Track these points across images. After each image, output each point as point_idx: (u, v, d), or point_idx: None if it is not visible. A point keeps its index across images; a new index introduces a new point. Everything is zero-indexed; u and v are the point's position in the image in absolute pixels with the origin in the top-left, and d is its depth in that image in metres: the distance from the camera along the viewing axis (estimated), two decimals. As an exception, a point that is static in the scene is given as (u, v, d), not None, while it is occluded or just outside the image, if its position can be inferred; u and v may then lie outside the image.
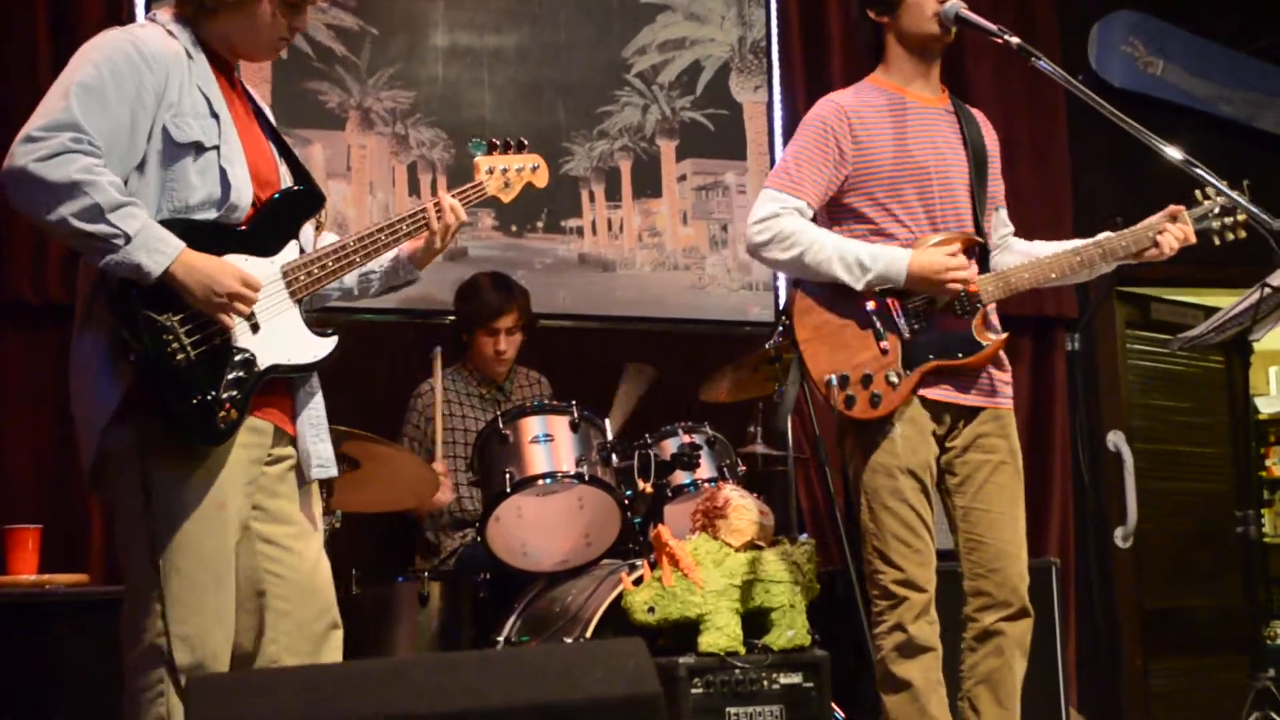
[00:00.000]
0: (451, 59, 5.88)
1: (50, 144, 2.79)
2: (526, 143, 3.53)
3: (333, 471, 3.19)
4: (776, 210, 3.78)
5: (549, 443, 4.50)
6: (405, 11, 5.85)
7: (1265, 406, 9.64)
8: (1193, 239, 3.88)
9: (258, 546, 3.03)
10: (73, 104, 2.83)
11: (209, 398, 2.88)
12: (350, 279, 3.30)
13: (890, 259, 3.72)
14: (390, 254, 3.28)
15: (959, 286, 3.72)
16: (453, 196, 3.32)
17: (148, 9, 5.28)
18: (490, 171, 3.45)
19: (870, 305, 3.76)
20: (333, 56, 5.67)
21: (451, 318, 5.39)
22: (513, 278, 5.41)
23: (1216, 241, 3.91)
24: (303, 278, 3.07)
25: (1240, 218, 3.86)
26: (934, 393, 3.77)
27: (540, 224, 5.92)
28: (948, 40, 3.85)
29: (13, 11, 5.14)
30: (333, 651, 3.09)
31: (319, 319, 3.18)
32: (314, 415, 3.15)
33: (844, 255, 3.73)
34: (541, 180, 3.55)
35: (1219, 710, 5.23)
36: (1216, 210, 3.90)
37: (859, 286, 3.73)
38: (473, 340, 5.27)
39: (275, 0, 3.04)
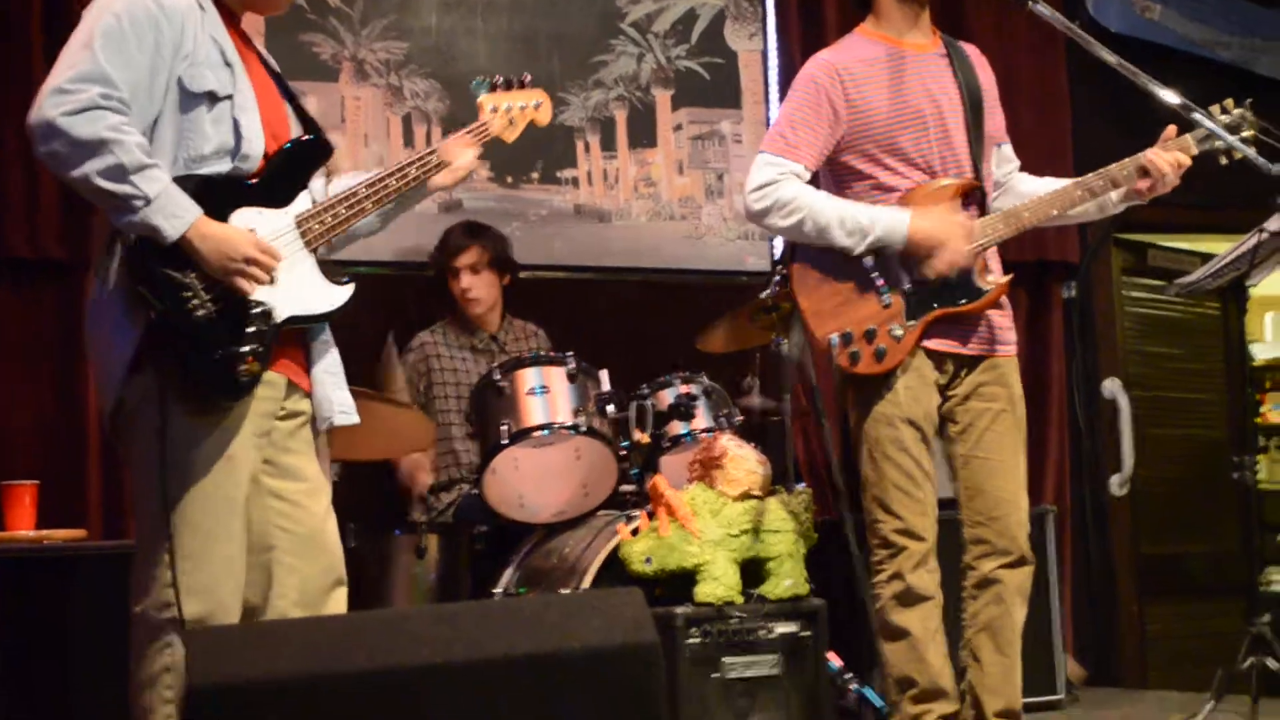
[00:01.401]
0: (445, 9, 5.84)
1: (80, 98, 2.79)
2: (529, 79, 3.50)
3: (355, 419, 3.19)
4: (774, 176, 3.75)
5: (545, 394, 4.49)
6: (398, -38, 5.81)
7: (1261, 353, 9.61)
8: (1187, 162, 3.77)
9: (268, 501, 3.04)
10: (99, 54, 2.83)
11: (231, 351, 2.88)
12: (372, 218, 3.28)
13: (890, 224, 3.69)
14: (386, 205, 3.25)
15: (947, 268, 3.69)
16: (455, 139, 3.33)
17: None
18: (494, 110, 3.43)
19: (869, 260, 3.75)
20: (326, 8, 5.63)
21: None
22: (494, 227, 5.40)
23: (1223, 160, 3.79)
24: (316, 227, 3.07)
25: (1247, 133, 3.78)
26: (936, 343, 3.77)
27: (535, 175, 5.89)
28: None
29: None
30: (336, 607, 3.10)
31: (332, 267, 3.17)
32: (331, 363, 3.16)
33: (844, 220, 3.71)
34: (545, 117, 3.52)
35: (1214, 656, 5.25)
36: (1223, 128, 3.73)
37: (859, 250, 3.72)
38: (453, 290, 5.27)
39: None
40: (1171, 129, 3.82)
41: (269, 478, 3.04)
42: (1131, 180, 3.80)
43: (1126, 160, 3.81)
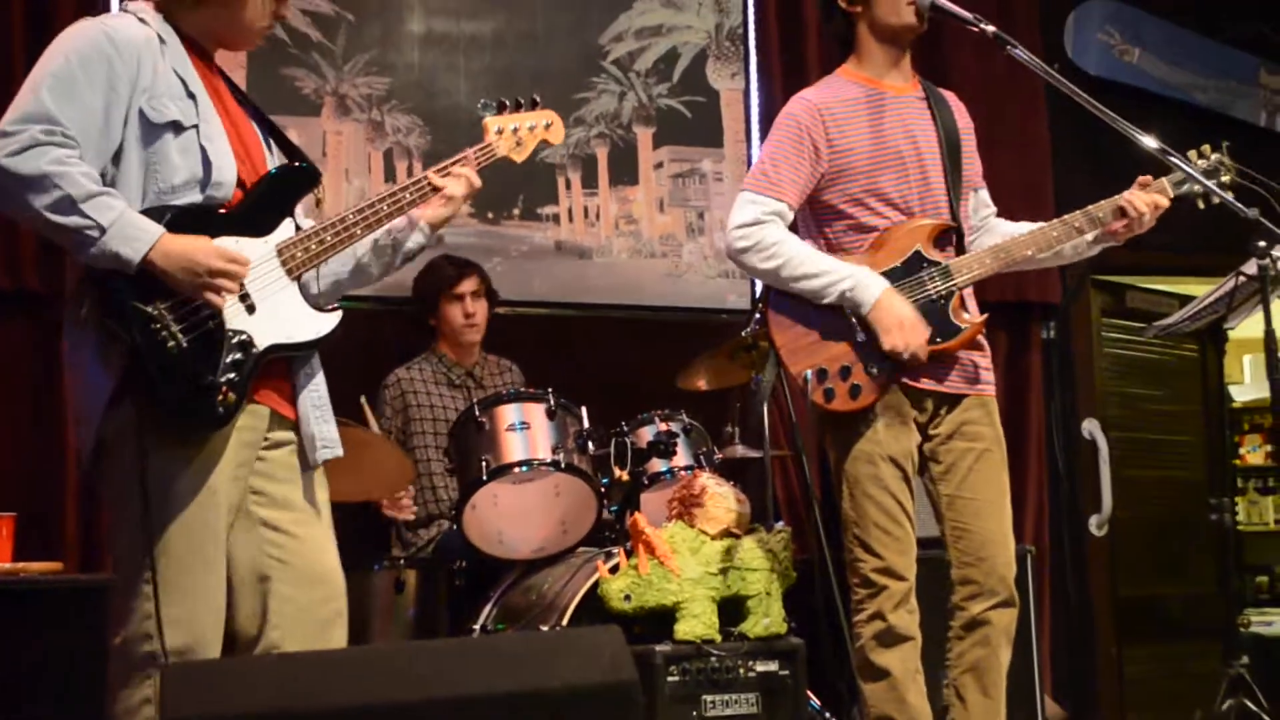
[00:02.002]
0: (427, 45, 5.86)
1: (21, 137, 2.78)
2: (539, 99, 3.47)
3: (338, 452, 3.16)
4: (758, 216, 3.76)
5: (525, 430, 4.49)
6: (381, -3, 5.83)
7: (1239, 395, 9.68)
8: (1164, 204, 3.78)
9: (260, 532, 3.02)
10: (44, 95, 2.82)
11: (206, 382, 2.86)
12: (366, 254, 3.24)
13: (863, 285, 3.68)
14: (401, 219, 3.21)
15: (902, 347, 3.68)
16: (457, 162, 3.27)
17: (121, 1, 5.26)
18: (500, 132, 3.38)
19: None
20: (308, 43, 5.64)
21: (418, 308, 5.38)
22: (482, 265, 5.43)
23: (1201, 205, 3.82)
24: (299, 254, 3.03)
25: (1225, 178, 3.81)
26: (916, 381, 3.76)
27: (517, 211, 5.90)
28: (921, 30, 3.83)
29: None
30: (337, 638, 3.08)
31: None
32: (316, 396, 3.13)
33: (820, 273, 3.71)
34: (557, 136, 3.49)
35: (1193, 697, 5.25)
36: (1201, 173, 3.76)
37: (826, 301, 3.73)
38: (439, 316, 5.28)
39: None
40: (1147, 177, 3.84)
41: (260, 507, 3.03)
42: (1108, 221, 3.81)
43: (1105, 202, 3.83)
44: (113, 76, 2.89)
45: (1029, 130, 6.54)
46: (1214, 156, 3.86)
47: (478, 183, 3.27)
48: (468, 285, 5.27)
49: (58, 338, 4.73)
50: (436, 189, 3.22)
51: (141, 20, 3.00)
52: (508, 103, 3.43)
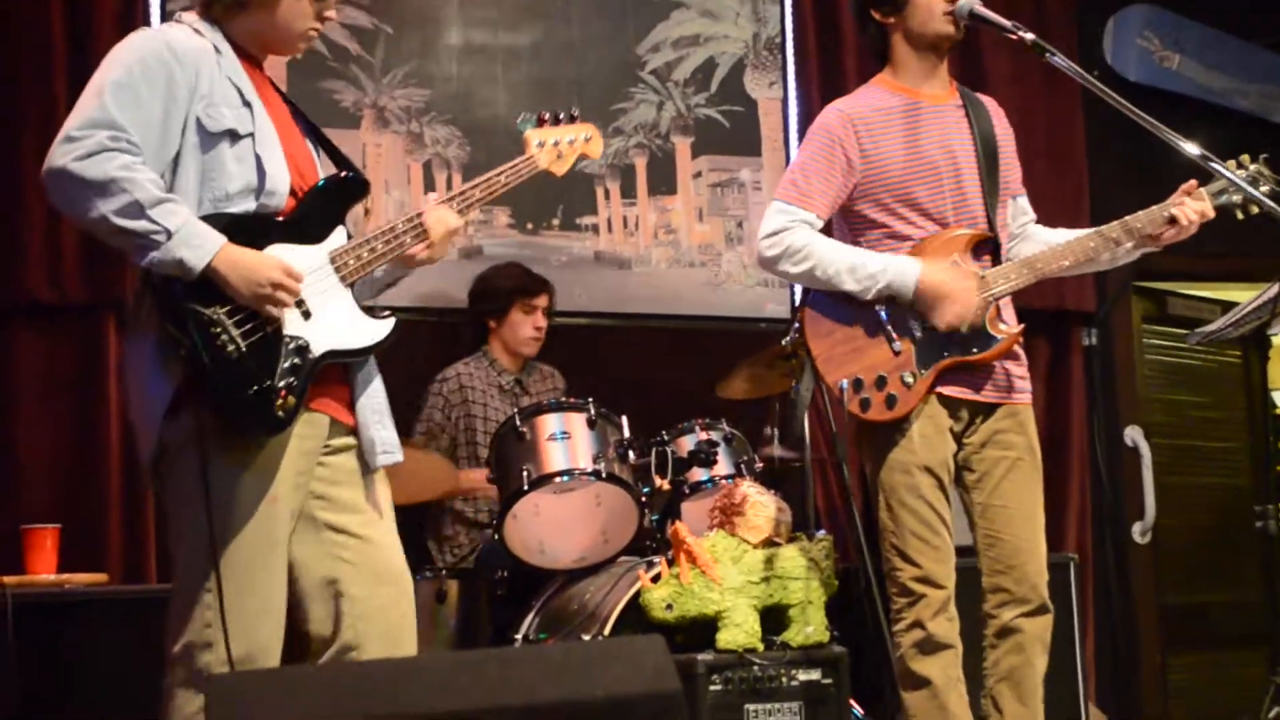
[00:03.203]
0: (466, 57, 5.88)
1: (88, 143, 2.82)
2: (578, 113, 3.50)
3: (398, 457, 3.18)
4: (785, 224, 3.77)
5: (566, 440, 4.50)
6: (419, 9, 5.84)
7: (1283, 401, 9.61)
8: (1211, 213, 3.79)
9: (326, 535, 3.05)
10: (108, 101, 2.86)
11: (265, 386, 2.89)
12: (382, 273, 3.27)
13: (900, 273, 3.70)
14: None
15: (956, 320, 3.70)
16: (502, 173, 3.31)
17: (163, 9, 5.29)
18: (540, 145, 3.41)
19: (880, 307, 3.76)
20: (347, 55, 5.67)
21: (481, 307, 5.40)
22: None
23: (1239, 215, 3.83)
24: (352, 262, 3.07)
25: (1264, 188, 3.80)
26: (950, 389, 3.76)
27: (556, 221, 5.92)
28: (959, 38, 3.82)
29: (27, 14, 5.13)
30: (409, 637, 3.11)
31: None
32: (375, 401, 3.15)
33: (854, 268, 3.72)
34: (596, 150, 3.52)
35: (1238, 705, 5.22)
36: (1241, 180, 3.79)
37: (868, 297, 3.73)
38: (505, 321, 5.31)
39: None
40: (1193, 182, 3.82)
41: (324, 512, 3.05)
42: (1147, 231, 3.79)
43: (1143, 213, 3.82)
44: (172, 85, 2.93)
45: (1065, 137, 6.52)
46: (1253, 166, 3.84)
47: (455, 223, 3.23)
48: (542, 300, 5.34)
49: (100, 350, 4.78)
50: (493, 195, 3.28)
51: (197, 31, 3.04)
52: (548, 116, 3.45)
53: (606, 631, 4.07)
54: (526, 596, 4.62)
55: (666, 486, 4.49)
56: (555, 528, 4.55)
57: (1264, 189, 3.78)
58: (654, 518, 4.57)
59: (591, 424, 4.53)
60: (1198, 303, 7.04)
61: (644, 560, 4.40)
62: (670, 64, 6.17)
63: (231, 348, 2.86)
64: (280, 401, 2.90)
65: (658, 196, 6.10)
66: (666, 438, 4.56)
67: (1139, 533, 6.55)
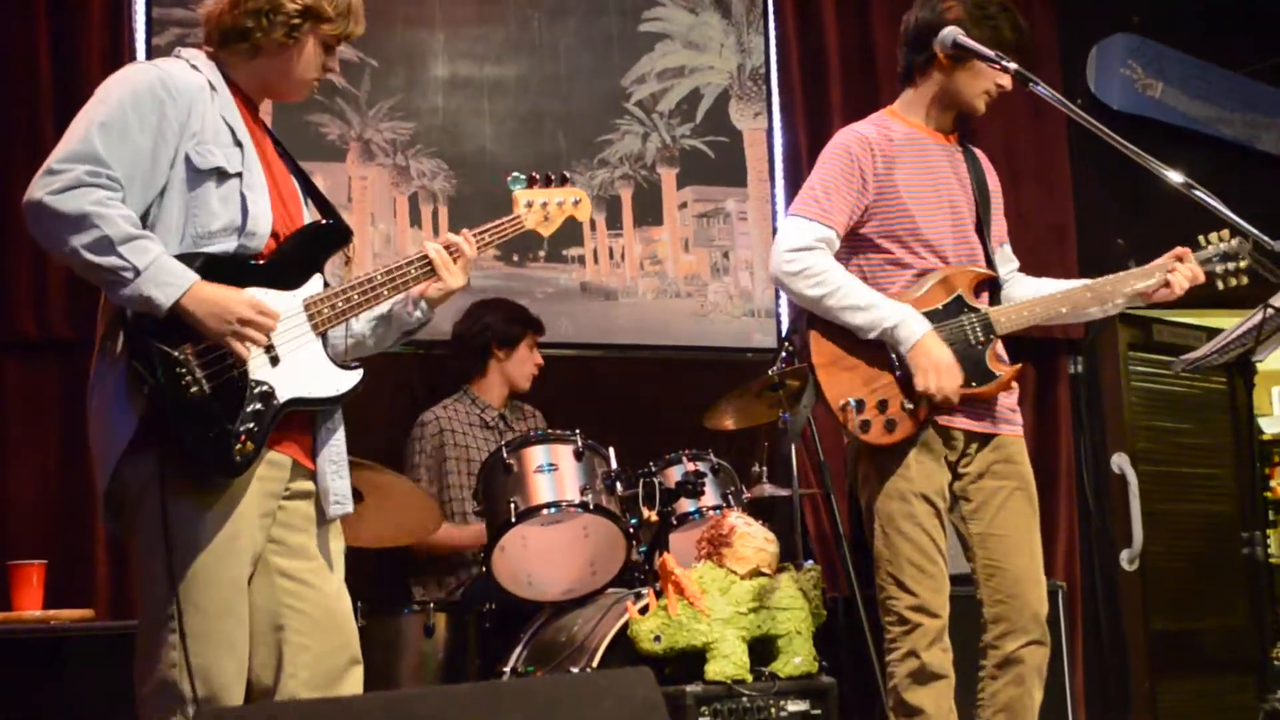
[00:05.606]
0: (452, 90, 5.89)
1: (66, 177, 2.82)
2: (569, 176, 3.53)
3: (349, 508, 3.17)
4: (810, 242, 3.78)
5: (553, 472, 4.49)
6: (405, 43, 5.86)
7: (1269, 427, 9.63)
8: (1201, 278, 3.93)
9: (276, 580, 3.03)
10: (93, 134, 2.86)
11: (225, 429, 2.88)
12: (364, 325, 3.28)
13: (908, 327, 3.72)
14: (399, 296, 3.24)
15: (934, 390, 3.70)
16: (486, 231, 3.33)
17: (148, 40, 5.30)
18: (529, 205, 3.44)
19: None
20: (333, 88, 5.67)
21: (495, 334, 5.40)
22: None
23: (1219, 286, 3.97)
24: (326, 310, 3.07)
25: (1242, 264, 3.93)
26: (947, 419, 3.79)
27: (542, 253, 5.92)
28: (978, 115, 3.97)
29: (15, 56, 5.13)
30: (353, 687, 3.08)
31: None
32: (334, 452, 3.15)
33: (869, 306, 3.74)
34: (584, 214, 3.55)
35: (1228, 732, 5.22)
36: (1220, 254, 3.94)
37: (868, 335, 3.75)
38: (514, 352, 5.35)
39: (318, 39, 3.09)
40: (1186, 250, 3.94)
41: (277, 556, 3.04)
42: (1139, 292, 3.93)
43: (1136, 270, 3.94)
44: (163, 120, 2.93)
45: (1051, 166, 6.53)
46: (1234, 241, 3.93)
47: (472, 253, 3.28)
48: (540, 336, 5.40)
49: (86, 386, 4.77)
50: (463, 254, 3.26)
51: (194, 67, 3.05)
52: (538, 177, 3.48)
53: (595, 664, 4.06)
54: (514, 629, 4.60)
55: (654, 518, 4.48)
56: (543, 560, 4.54)
57: (1243, 264, 3.89)
58: (641, 549, 4.56)
59: (579, 455, 4.53)
60: (1183, 329, 7.06)
61: (632, 592, 4.39)
62: (655, 95, 6.19)
63: (195, 389, 2.86)
64: (239, 446, 2.89)
65: (644, 227, 6.11)
66: (654, 469, 4.56)
67: (1127, 560, 6.56)
